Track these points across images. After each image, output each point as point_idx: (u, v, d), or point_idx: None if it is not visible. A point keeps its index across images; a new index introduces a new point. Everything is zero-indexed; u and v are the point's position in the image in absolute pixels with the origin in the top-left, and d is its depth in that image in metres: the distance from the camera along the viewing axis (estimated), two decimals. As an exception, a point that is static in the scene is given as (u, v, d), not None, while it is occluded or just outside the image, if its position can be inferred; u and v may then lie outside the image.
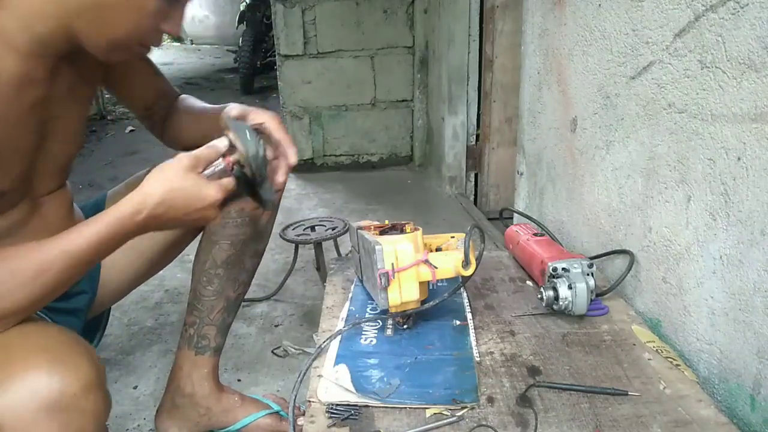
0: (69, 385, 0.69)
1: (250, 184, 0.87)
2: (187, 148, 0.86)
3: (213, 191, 0.81)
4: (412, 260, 0.97)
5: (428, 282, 1.00)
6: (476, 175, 2.89)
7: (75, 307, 1.03)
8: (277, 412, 1.25)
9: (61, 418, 0.68)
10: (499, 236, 2.19)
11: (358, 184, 3.15)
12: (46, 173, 0.92)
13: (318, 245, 1.86)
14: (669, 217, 1.03)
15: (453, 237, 1.14)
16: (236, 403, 1.23)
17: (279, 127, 0.95)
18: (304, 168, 3.35)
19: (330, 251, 2.04)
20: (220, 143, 0.84)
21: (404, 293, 0.97)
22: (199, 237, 1.20)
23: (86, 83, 0.94)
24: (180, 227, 0.82)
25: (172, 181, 0.79)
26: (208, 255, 1.16)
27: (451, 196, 2.89)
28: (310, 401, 0.87)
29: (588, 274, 1.07)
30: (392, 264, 0.96)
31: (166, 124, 1.16)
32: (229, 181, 0.84)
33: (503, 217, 1.83)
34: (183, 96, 1.19)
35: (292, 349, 1.59)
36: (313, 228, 1.88)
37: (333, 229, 1.86)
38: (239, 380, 1.50)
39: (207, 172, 0.84)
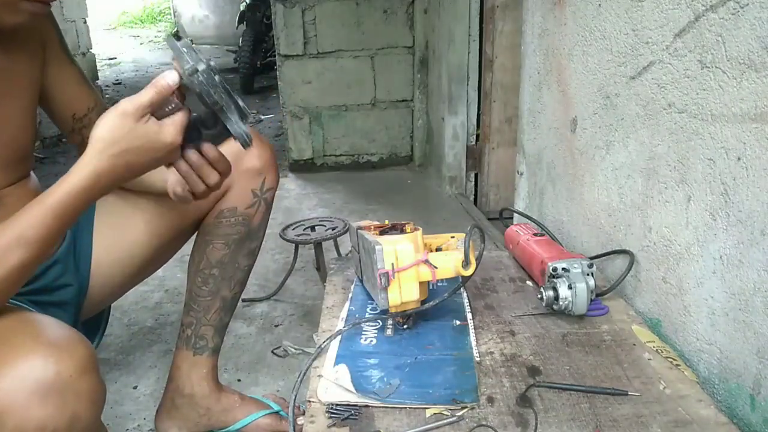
0: (65, 368, 0.68)
1: (213, 115, 0.77)
2: None
3: (169, 136, 0.75)
4: (412, 260, 0.97)
5: (428, 282, 1.00)
6: (476, 175, 2.89)
7: (61, 300, 1.02)
8: (277, 412, 1.25)
9: (57, 401, 0.66)
10: (499, 236, 2.19)
11: (358, 184, 3.15)
12: None
13: (318, 245, 1.86)
14: (669, 217, 1.03)
15: (453, 237, 1.14)
16: (236, 403, 1.23)
17: None
18: (304, 168, 3.35)
19: (330, 251, 2.04)
20: (167, 77, 0.75)
21: (404, 293, 0.97)
22: (194, 237, 1.20)
23: (23, 71, 0.92)
24: (141, 175, 0.79)
25: (120, 142, 0.73)
26: (202, 255, 1.16)
27: (451, 196, 2.89)
28: (310, 401, 0.87)
29: (588, 274, 1.07)
30: (392, 264, 0.96)
31: None
32: (181, 116, 0.76)
33: (503, 217, 1.83)
34: None
35: (292, 349, 1.59)
36: (313, 228, 1.88)
37: (333, 229, 1.86)
38: (239, 380, 1.50)
39: (158, 112, 0.75)
